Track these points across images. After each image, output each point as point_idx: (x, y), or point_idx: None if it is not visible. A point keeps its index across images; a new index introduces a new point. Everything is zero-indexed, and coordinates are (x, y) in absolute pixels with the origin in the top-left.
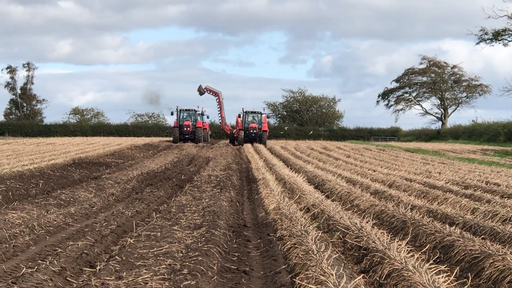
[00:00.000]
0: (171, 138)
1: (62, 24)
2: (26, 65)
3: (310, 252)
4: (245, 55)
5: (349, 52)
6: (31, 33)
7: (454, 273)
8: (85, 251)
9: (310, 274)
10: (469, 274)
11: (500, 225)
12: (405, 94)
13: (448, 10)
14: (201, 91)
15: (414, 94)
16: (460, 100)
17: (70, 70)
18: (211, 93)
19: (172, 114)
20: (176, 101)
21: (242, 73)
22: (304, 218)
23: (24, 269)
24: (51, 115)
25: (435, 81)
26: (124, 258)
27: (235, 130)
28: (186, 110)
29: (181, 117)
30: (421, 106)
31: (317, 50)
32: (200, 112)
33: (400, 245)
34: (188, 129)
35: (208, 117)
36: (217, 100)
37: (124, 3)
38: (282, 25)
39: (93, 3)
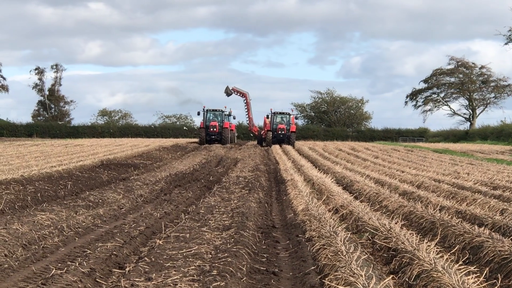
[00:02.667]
0: (197, 139)
1: (91, 25)
2: (54, 67)
3: (339, 253)
4: (275, 56)
5: (378, 53)
6: (61, 35)
7: (484, 274)
8: (114, 252)
9: (339, 275)
10: (498, 275)
11: None
12: (433, 95)
13: (478, 11)
14: (228, 92)
15: (442, 95)
16: (488, 101)
17: (99, 72)
18: (239, 94)
19: (198, 114)
20: (205, 102)
21: (271, 74)
22: (333, 219)
23: (54, 270)
24: (80, 117)
25: (463, 81)
26: (153, 259)
27: (263, 131)
28: (212, 110)
29: (207, 117)
30: (449, 106)
31: (346, 51)
32: (227, 112)
33: (429, 246)
34: (215, 129)
35: (234, 118)
36: (245, 101)
37: (154, 4)
38: (312, 26)
39: (123, 5)
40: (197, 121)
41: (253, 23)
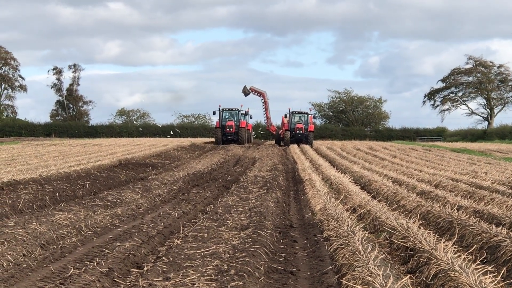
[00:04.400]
0: (213, 139)
1: (111, 25)
2: (72, 66)
3: (356, 252)
4: (293, 56)
5: (397, 52)
6: (80, 35)
7: (501, 274)
8: (132, 252)
9: (357, 274)
10: None
11: None
12: (451, 94)
13: (497, 10)
14: (246, 92)
15: (460, 94)
16: (507, 100)
17: (118, 71)
18: (256, 93)
19: (214, 113)
20: (224, 102)
21: (290, 74)
22: (351, 219)
23: (72, 270)
24: (98, 116)
25: (481, 81)
26: (171, 259)
27: (281, 130)
28: (228, 109)
29: (223, 117)
30: (467, 106)
31: (365, 51)
32: (243, 111)
33: (446, 245)
34: (231, 129)
35: (251, 117)
36: (262, 101)
37: (173, 4)
38: (330, 26)
39: (143, 4)
40: (214, 120)
41: (272, 23)
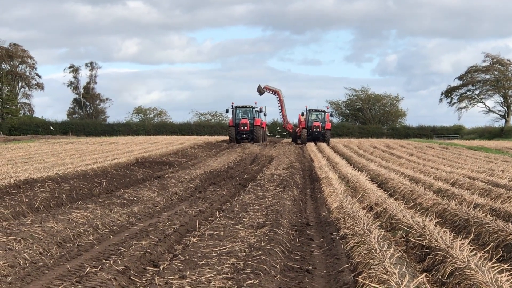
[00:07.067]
0: (227, 138)
1: (129, 23)
2: (89, 65)
3: (373, 250)
4: (311, 54)
5: (415, 51)
6: (98, 33)
7: None
8: (149, 250)
9: (372, 273)
10: None
11: None
12: (468, 92)
13: None
14: (260, 91)
15: (477, 92)
16: None
17: (136, 69)
18: (271, 92)
19: (227, 111)
20: (241, 100)
21: (308, 72)
22: (367, 217)
23: (88, 268)
24: (115, 115)
25: (498, 78)
26: (187, 257)
27: (298, 128)
28: (242, 107)
29: (237, 115)
30: (484, 104)
31: (383, 49)
32: (257, 109)
33: (462, 243)
34: (246, 128)
35: (265, 115)
36: (278, 99)
37: (192, 3)
38: (349, 24)
39: (161, 3)
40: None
41: (291, 21)
